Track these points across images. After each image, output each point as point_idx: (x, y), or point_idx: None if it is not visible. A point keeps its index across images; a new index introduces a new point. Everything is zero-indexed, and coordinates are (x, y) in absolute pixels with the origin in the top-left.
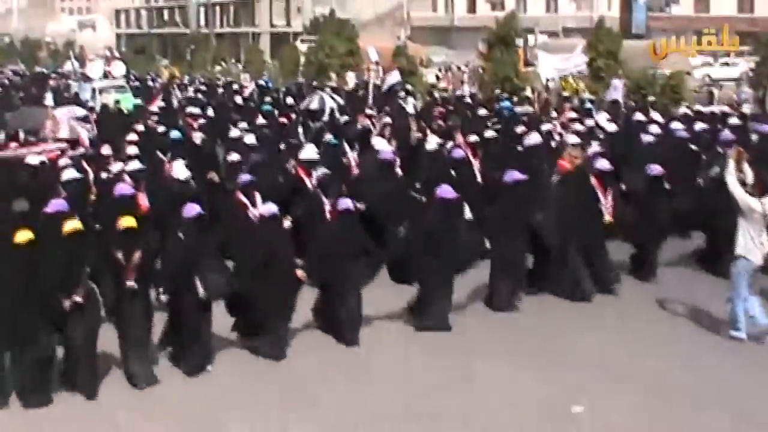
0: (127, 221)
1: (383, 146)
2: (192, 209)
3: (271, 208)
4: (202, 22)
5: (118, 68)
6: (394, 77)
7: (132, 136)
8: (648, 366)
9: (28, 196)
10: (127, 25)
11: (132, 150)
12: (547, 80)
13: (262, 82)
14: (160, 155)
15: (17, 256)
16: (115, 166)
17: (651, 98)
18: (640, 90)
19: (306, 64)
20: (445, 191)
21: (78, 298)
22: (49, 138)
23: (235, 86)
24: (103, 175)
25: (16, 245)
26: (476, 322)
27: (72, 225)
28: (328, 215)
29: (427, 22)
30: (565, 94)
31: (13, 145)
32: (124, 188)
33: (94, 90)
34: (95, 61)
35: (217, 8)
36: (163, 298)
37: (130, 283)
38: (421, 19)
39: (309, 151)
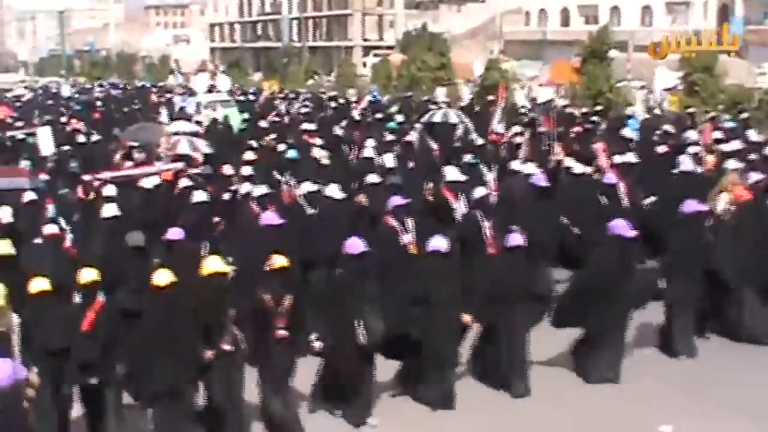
0: (280, 261)
1: (533, 170)
2: (356, 245)
3: (440, 242)
4: (295, 35)
5: (224, 82)
6: (548, 93)
7: (249, 155)
8: None
9: (145, 224)
10: (221, 39)
11: (247, 170)
12: (661, 96)
13: (370, 96)
14: (277, 176)
15: (156, 301)
16: (243, 188)
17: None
18: (736, 105)
19: (398, 78)
20: (621, 228)
21: (226, 347)
22: (164, 157)
23: (341, 100)
24: (225, 197)
25: (156, 288)
26: (649, 369)
27: (215, 265)
28: (488, 244)
29: (519, 36)
30: (690, 110)
31: (127, 164)
32: (270, 217)
33: (198, 104)
34: (199, 74)
35: (310, 22)
36: (317, 345)
37: (282, 332)
38: (514, 33)
39: (455, 172)
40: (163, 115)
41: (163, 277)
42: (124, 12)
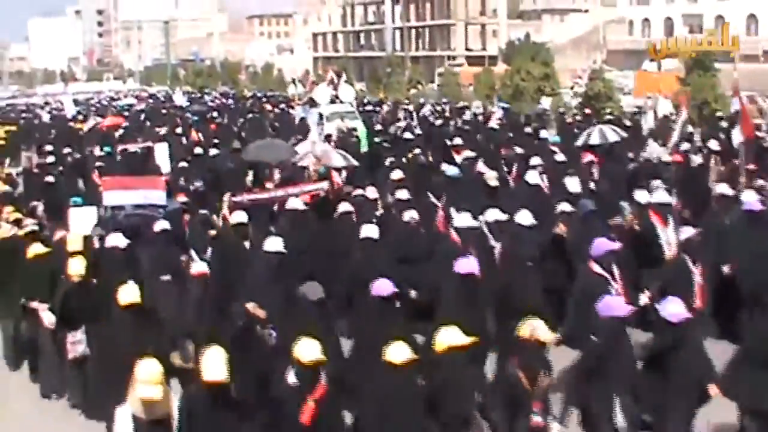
0: (544, 332)
1: (750, 196)
2: (619, 305)
3: (676, 308)
4: (398, 45)
5: (347, 92)
6: (666, 105)
7: (397, 174)
8: None
9: (306, 262)
10: (324, 49)
11: (403, 194)
12: None
13: (498, 107)
14: (433, 199)
15: (390, 382)
16: (406, 215)
17: None
18: None
19: (502, 88)
20: None
21: None
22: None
23: (470, 111)
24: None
25: (391, 366)
26: None
27: (452, 338)
28: (697, 290)
29: (622, 45)
30: None
31: (268, 185)
32: (470, 265)
33: (320, 115)
34: (321, 84)
35: (413, 31)
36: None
37: (537, 419)
38: (617, 42)
39: (663, 194)
40: (314, 132)
41: (399, 352)
42: (228, 22)
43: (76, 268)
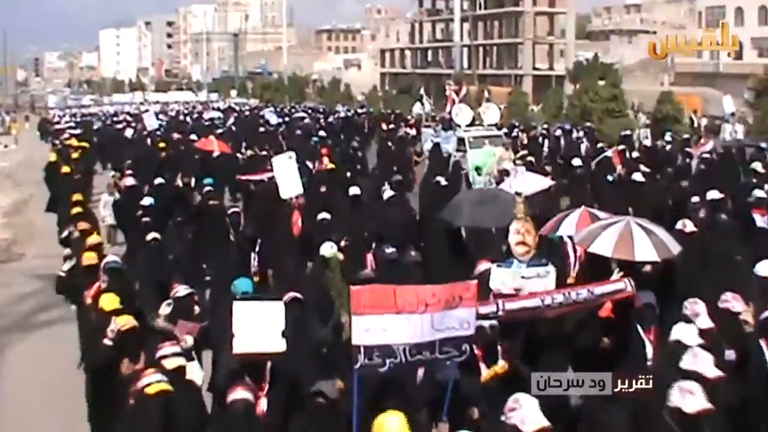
0: None
1: None
2: None
3: None
4: (465, 63)
5: (492, 113)
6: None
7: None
8: None
9: None
10: (391, 65)
11: None
12: None
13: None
14: None
15: None
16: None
17: None
18: None
19: (569, 108)
20: None
21: None
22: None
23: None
24: None
25: None
26: None
27: None
28: None
29: (691, 68)
30: None
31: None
32: None
33: (460, 141)
34: (460, 104)
35: (481, 50)
36: None
37: None
38: (686, 64)
39: None
40: (520, 176)
41: None
42: (297, 36)
43: None
